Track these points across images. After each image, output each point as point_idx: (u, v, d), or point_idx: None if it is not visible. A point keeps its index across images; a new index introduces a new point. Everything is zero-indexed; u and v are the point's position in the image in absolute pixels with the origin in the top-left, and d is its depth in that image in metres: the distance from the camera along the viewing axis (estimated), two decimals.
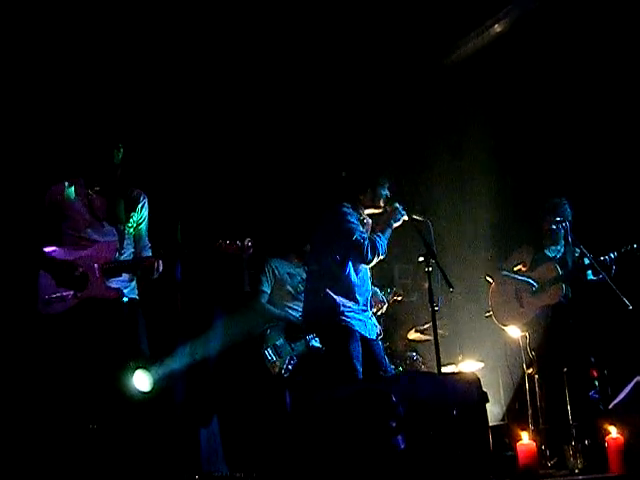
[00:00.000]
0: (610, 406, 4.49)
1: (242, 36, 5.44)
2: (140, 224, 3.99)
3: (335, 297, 4.10)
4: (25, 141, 4.81)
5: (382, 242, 4.16)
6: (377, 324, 4.32)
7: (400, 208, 4.29)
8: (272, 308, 5.05)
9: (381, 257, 4.17)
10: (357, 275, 4.21)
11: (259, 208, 5.84)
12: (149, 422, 3.82)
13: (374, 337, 4.24)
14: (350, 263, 4.17)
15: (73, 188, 3.86)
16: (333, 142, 6.12)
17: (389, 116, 6.33)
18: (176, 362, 4.69)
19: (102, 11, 4.91)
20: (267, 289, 5.11)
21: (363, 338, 4.15)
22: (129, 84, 5.18)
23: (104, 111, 4.66)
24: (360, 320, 4.16)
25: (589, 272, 4.97)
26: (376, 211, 4.36)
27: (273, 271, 5.14)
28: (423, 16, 5.58)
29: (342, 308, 4.10)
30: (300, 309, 5.04)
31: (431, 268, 4.10)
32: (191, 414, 4.82)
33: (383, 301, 4.59)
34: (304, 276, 5.18)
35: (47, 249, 3.79)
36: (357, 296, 4.17)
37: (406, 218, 4.29)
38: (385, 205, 4.32)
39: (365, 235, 4.17)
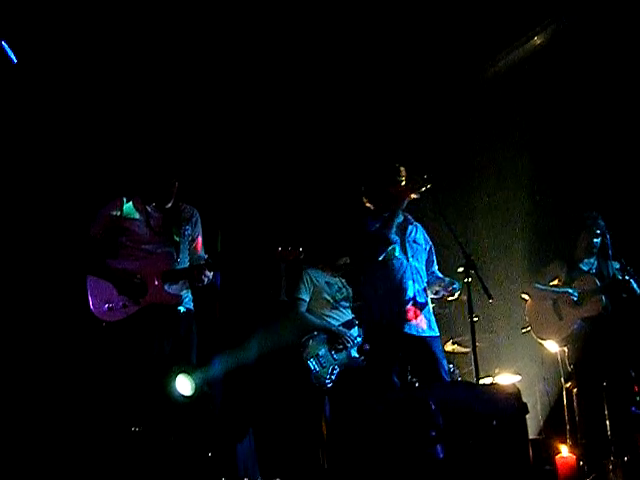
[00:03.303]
0: None
1: (297, 55, 5.64)
2: (195, 239, 4.19)
3: (376, 299, 4.18)
4: (84, 157, 5.10)
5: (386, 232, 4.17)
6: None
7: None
8: (312, 317, 4.98)
9: (391, 245, 4.15)
10: (391, 273, 4.21)
11: (294, 219, 5.91)
12: (188, 427, 3.93)
13: (425, 334, 4.18)
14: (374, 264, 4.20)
15: (131, 203, 4.07)
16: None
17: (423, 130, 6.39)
18: (214, 369, 4.76)
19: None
20: (306, 297, 5.02)
21: (409, 337, 4.13)
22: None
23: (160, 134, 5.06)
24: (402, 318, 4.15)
25: (635, 285, 4.93)
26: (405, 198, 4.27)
27: (311, 279, 5.05)
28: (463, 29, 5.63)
29: (385, 309, 4.14)
30: (339, 318, 5.06)
31: (470, 279, 4.11)
32: (228, 421, 4.87)
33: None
34: (341, 285, 5.20)
35: (107, 260, 3.98)
36: (396, 294, 4.18)
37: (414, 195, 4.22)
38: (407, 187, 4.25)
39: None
